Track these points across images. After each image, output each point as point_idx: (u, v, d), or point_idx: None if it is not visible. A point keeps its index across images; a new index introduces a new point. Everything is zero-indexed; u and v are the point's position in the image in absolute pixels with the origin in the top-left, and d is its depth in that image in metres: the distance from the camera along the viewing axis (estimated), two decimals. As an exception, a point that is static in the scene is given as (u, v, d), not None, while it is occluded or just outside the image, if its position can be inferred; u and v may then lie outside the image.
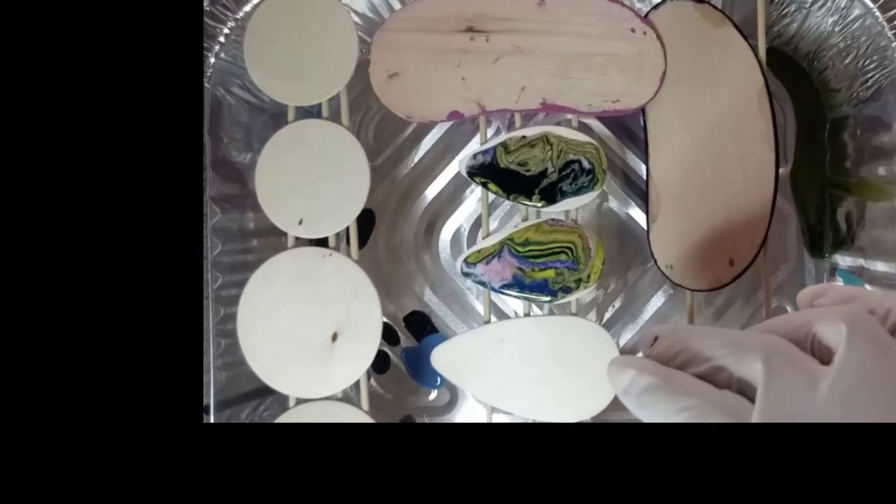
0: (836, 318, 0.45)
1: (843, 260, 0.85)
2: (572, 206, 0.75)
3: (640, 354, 0.53)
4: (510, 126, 0.78)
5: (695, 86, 0.73)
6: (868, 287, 0.82)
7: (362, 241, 0.89)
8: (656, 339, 0.51)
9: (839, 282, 0.85)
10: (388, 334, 0.91)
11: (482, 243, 0.76)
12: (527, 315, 0.77)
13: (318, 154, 0.74)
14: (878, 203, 0.79)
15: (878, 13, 0.74)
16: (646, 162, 0.76)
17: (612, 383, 0.50)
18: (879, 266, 0.80)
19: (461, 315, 0.90)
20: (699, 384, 0.47)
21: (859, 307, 0.48)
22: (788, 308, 0.87)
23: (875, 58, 0.77)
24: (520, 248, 0.74)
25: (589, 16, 0.73)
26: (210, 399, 0.78)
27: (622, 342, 0.88)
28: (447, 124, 0.89)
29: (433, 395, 0.91)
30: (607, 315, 0.89)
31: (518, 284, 0.74)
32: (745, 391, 0.45)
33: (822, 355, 0.45)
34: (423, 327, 0.91)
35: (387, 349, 0.91)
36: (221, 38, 0.80)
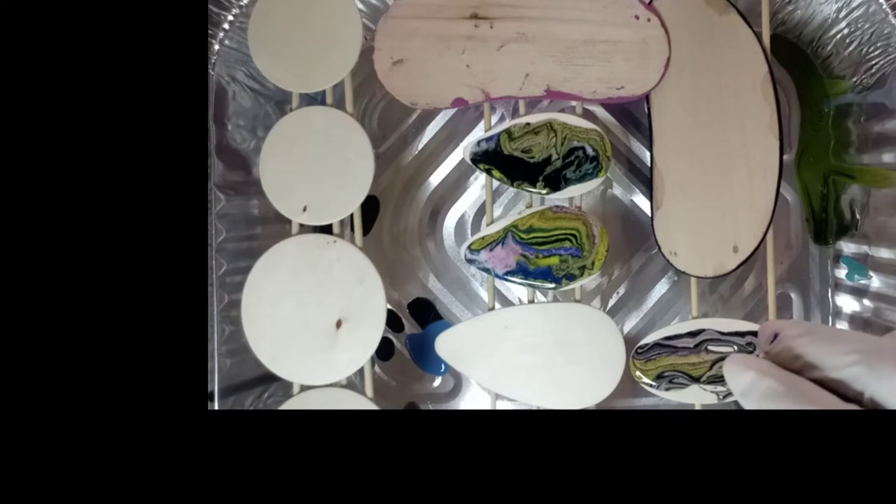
0: None
1: (847, 247, 0.85)
2: (576, 193, 0.75)
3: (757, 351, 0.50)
4: (514, 113, 0.78)
5: (699, 73, 0.73)
6: (872, 274, 0.82)
7: (367, 228, 0.89)
8: (776, 336, 0.48)
9: (843, 269, 0.85)
10: (393, 321, 0.91)
11: (486, 230, 0.76)
12: (531, 302, 0.77)
13: (323, 141, 0.74)
14: (882, 190, 0.79)
15: (881, 0, 0.74)
16: (650, 149, 0.76)
17: (730, 384, 0.48)
18: (883, 252, 0.80)
19: (465, 302, 0.90)
20: (826, 396, 0.44)
21: None
22: (793, 295, 0.87)
23: (879, 45, 0.77)
24: (524, 235, 0.74)
25: (593, 3, 0.72)
26: (214, 386, 0.78)
27: (626, 329, 0.88)
28: (451, 111, 0.89)
29: (437, 381, 0.91)
30: (611, 302, 0.89)
31: (522, 271, 0.75)
32: (878, 405, 0.43)
33: None
34: (427, 314, 0.91)
35: (391, 336, 0.91)
36: (226, 25, 0.80)
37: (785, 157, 0.80)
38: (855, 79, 0.81)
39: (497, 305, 0.78)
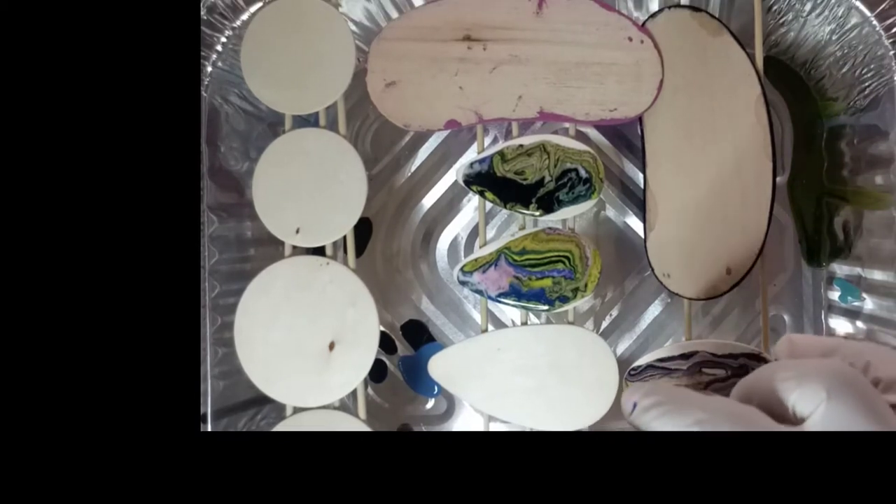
0: (815, 383, 0.45)
1: (841, 269, 0.85)
2: (569, 215, 0.75)
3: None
4: (507, 135, 0.78)
5: (692, 95, 0.73)
6: (866, 296, 0.82)
7: (359, 250, 0.89)
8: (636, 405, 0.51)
9: (837, 291, 0.85)
10: (386, 343, 0.91)
11: (479, 252, 0.76)
12: (524, 324, 0.77)
13: (316, 163, 0.74)
14: (875, 212, 0.79)
15: (875, 22, 0.74)
16: (643, 171, 0.76)
17: (623, 410, 0.51)
18: (877, 275, 0.80)
19: (458, 324, 0.90)
20: (703, 396, 0.47)
21: (839, 364, 0.47)
22: (786, 317, 0.87)
23: (872, 66, 0.77)
24: (517, 257, 0.74)
25: (586, 24, 0.73)
26: (207, 408, 0.78)
27: (619, 351, 0.88)
28: (444, 133, 0.90)
29: (430, 403, 0.91)
30: (604, 324, 0.89)
31: (515, 293, 0.74)
32: None
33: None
34: (420, 336, 0.91)
35: (384, 358, 0.91)
36: (219, 47, 0.80)
37: (778, 178, 0.80)
38: (848, 100, 0.81)
39: (490, 327, 0.78)
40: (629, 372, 0.75)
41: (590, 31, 0.73)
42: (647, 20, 0.74)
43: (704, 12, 0.74)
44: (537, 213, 0.74)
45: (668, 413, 0.47)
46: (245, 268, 0.85)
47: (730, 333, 0.87)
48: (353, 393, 0.75)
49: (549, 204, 0.74)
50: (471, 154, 0.87)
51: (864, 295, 0.82)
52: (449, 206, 0.90)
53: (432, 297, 0.91)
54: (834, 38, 0.79)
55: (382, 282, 0.91)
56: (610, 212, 0.88)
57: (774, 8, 0.80)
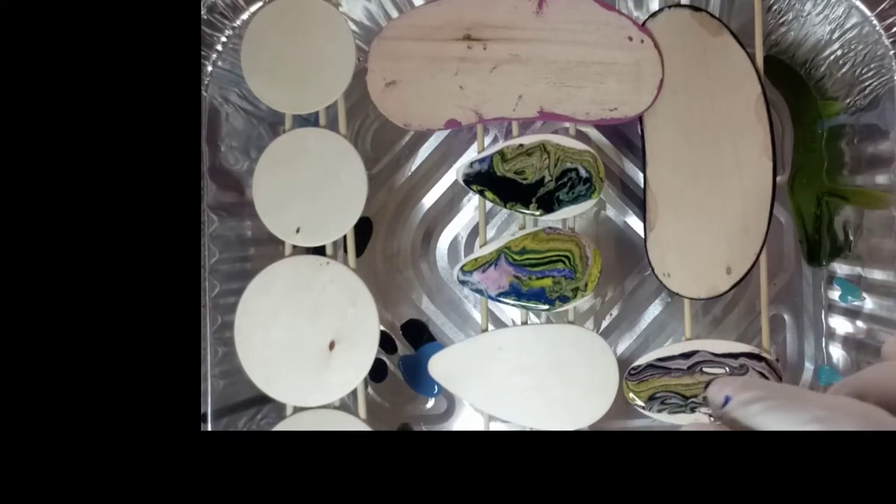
0: None
1: (841, 268, 0.85)
2: (569, 215, 0.75)
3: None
4: (507, 134, 0.78)
5: (692, 94, 0.73)
6: (866, 296, 0.82)
7: (360, 250, 0.89)
8: (728, 400, 0.46)
9: (837, 291, 0.85)
10: (386, 342, 0.90)
11: (479, 252, 0.76)
12: (524, 323, 0.77)
13: (316, 162, 0.74)
14: (875, 211, 0.79)
15: (875, 21, 0.74)
16: (643, 170, 0.76)
17: (711, 404, 0.47)
18: (877, 274, 0.80)
19: (458, 323, 0.90)
20: (813, 392, 0.43)
21: None
22: (786, 316, 0.87)
23: (872, 66, 0.77)
24: (517, 257, 0.74)
25: (586, 24, 0.73)
26: (207, 407, 0.78)
27: (620, 350, 0.88)
28: (445, 132, 0.89)
29: (430, 403, 0.91)
30: (605, 323, 0.89)
31: (515, 293, 0.74)
32: None
33: None
34: (420, 335, 0.91)
35: (384, 357, 0.91)
36: (219, 47, 0.80)
37: (778, 178, 0.80)
38: (848, 100, 0.81)
39: (490, 327, 0.78)
40: (629, 372, 0.75)
41: (590, 30, 0.73)
42: (647, 20, 0.74)
43: (704, 12, 0.74)
44: (537, 213, 0.74)
45: (776, 409, 0.43)
46: (245, 267, 0.85)
47: (730, 333, 0.87)
48: (354, 392, 0.75)
49: (549, 203, 0.74)
50: (471, 154, 0.87)
51: (865, 294, 0.82)
52: (449, 206, 0.90)
53: (432, 296, 0.91)
54: (834, 37, 0.79)
55: (382, 281, 0.91)
56: (610, 212, 0.88)
57: (774, 7, 0.80)
